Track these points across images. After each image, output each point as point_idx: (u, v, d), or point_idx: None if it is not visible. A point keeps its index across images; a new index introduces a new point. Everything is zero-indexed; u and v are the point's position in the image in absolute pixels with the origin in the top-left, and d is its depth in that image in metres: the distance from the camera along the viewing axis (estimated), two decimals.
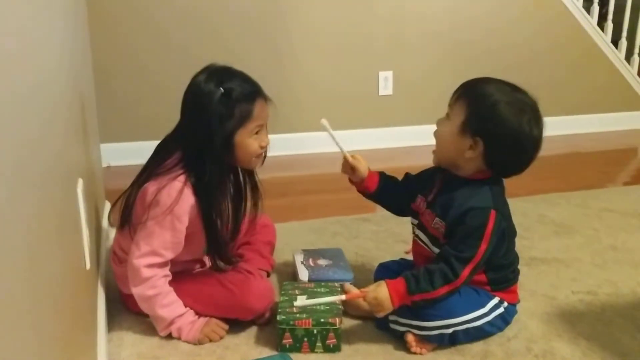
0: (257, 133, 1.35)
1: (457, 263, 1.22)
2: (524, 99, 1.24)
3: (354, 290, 1.37)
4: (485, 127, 1.23)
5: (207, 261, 1.49)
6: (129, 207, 1.36)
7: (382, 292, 1.22)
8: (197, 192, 1.30)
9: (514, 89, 1.26)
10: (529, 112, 1.23)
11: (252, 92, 1.33)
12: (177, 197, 1.28)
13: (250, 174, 1.46)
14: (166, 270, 1.34)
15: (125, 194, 1.38)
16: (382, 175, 1.47)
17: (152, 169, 1.35)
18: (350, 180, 1.48)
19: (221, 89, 1.28)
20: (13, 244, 0.54)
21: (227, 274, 1.43)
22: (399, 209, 1.48)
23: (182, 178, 1.29)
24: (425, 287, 1.22)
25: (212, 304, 1.36)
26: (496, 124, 1.22)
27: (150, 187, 1.31)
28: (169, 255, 1.32)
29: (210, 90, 1.28)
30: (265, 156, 1.42)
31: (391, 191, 1.46)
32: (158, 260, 1.31)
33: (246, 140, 1.33)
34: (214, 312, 1.36)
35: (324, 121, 1.44)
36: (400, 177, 1.48)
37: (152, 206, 1.29)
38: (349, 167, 1.45)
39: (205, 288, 1.37)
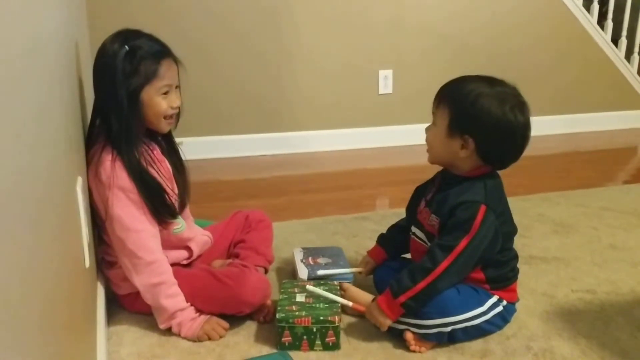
0: (166, 93, 1.35)
1: (439, 251, 1.24)
2: (502, 90, 1.25)
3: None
4: (472, 124, 1.24)
5: (194, 247, 1.48)
6: (91, 210, 1.37)
7: (375, 308, 1.29)
8: (123, 161, 1.31)
9: (491, 81, 1.27)
10: (511, 100, 1.24)
11: (159, 51, 1.34)
12: (112, 174, 1.30)
13: (167, 138, 1.47)
14: (162, 252, 1.35)
15: None
16: (385, 240, 1.54)
17: (87, 163, 1.36)
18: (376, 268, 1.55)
19: (126, 47, 1.30)
20: (12, 241, 0.54)
21: (223, 269, 1.44)
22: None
23: (107, 156, 1.31)
24: (406, 285, 1.24)
25: (208, 299, 1.36)
26: (481, 119, 1.23)
27: (92, 182, 1.33)
28: (149, 227, 1.34)
29: (115, 49, 1.30)
30: (178, 119, 1.42)
31: (399, 244, 1.50)
32: (144, 235, 1.32)
33: (154, 99, 1.34)
34: (210, 308, 1.36)
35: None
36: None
37: (102, 199, 1.32)
38: (366, 271, 1.54)
39: (201, 283, 1.37)
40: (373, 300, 1.31)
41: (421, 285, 1.23)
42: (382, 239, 1.55)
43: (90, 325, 1.16)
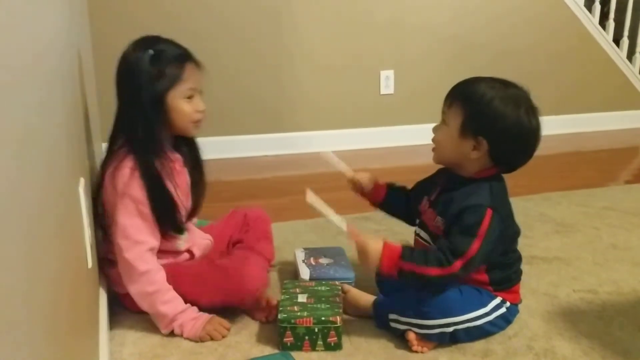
0: (190, 97, 1.36)
1: (450, 255, 1.22)
2: (516, 92, 1.25)
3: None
4: (486, 126, 1.23)
5: (196, 251, 1.49)
6: (100, 210, 1.38)
7: (375, 245, 1.23)
8: (141, 172, 1.31)
9: (504, 83, 1.26)
10: (524, 104, 1.24)
11: (182, 54, 1.35)
12: (128, 182, 1.30)
13: (192, 147, 1.48)
14: (157, 262, 1.36)
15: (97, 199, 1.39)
16: (390, 186, 1.51)
17: (104, 166, 1.36)
18: (362, 195, 1.53)
19: (150, 51, 1.31)
20: (14, 242, 0.54)
21: (222, 260, 1.45)
22: (409, 218, 1.49)
23: (128, 163, 1.31)
24: (418, 260, 1.22)
25: (206, 287, 1.36)
26: (496, 121, 1.23)
27: (108, 182, 1.33)
28: (151, 240, 1.34)
29: (139, 55, 1.31)
30: (201, 123, 1.43)
31: (399, 200, 1.49)
32: (143, 248, 1.33)
33: (179, 103, 1.34)
34: (211, 298, 1.36)
35: (324, 153, 1.54)
36: (406, 180, 1.50)
37: (113, 202, 1.32)
38: (352, 183, 1.52)
39: (199, 272, 1.38)
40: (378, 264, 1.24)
41: (431, 271, 1.21)
42: (390, 184, 1.53)
43: (93, 326, 1.16)
